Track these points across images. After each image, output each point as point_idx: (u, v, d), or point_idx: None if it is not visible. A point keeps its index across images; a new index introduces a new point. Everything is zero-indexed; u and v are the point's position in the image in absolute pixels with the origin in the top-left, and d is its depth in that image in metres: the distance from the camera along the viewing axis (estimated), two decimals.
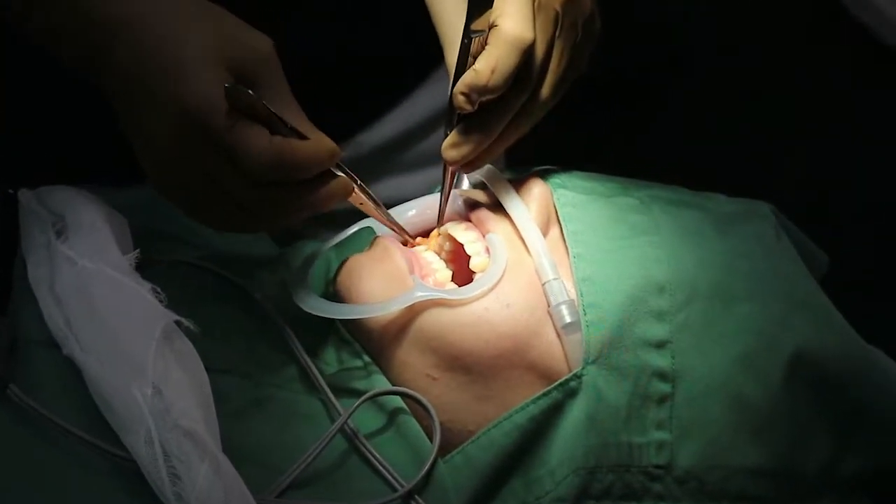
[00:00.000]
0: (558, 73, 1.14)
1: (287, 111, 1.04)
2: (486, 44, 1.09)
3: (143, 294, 1.04)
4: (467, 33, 1.10)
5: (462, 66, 1.11)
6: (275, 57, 1.05)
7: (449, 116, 1.14)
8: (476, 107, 1.10)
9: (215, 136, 1.01)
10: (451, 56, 1.15)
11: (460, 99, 1.09)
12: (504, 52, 1.08)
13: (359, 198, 1.12)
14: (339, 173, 1.08)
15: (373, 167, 1.47)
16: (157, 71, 1.02)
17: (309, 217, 1.09)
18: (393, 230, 1.18)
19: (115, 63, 1.03)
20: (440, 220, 1.20)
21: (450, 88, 1.12)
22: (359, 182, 1.11)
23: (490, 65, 1.08)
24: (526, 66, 1.10)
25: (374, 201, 1.14)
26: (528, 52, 1.09)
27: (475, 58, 1.10)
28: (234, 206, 1.05)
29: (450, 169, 1.17)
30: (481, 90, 1.08)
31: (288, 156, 1.03)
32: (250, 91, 1.02)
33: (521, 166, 1.26)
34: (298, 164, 1.03)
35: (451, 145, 1.13)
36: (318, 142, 1.05)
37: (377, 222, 1.19)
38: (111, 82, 1.05)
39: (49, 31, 1.07)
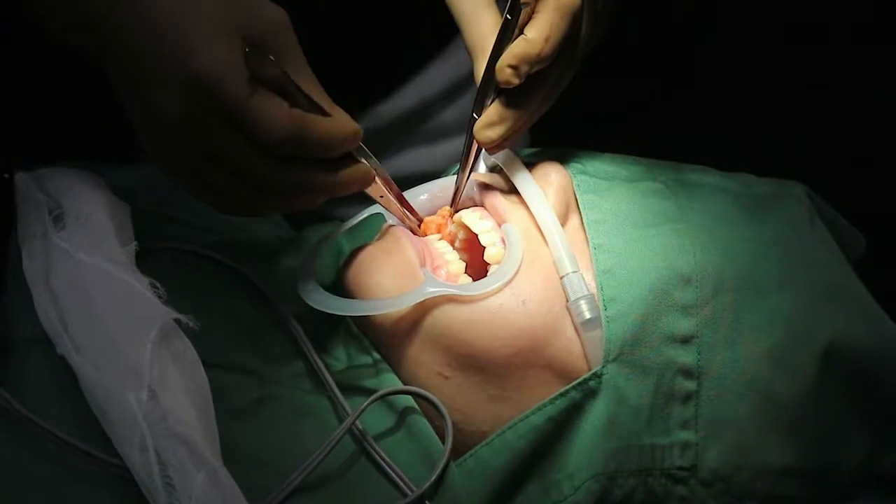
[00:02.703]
0: (588, 41, 1.10)
1: (305, 85, 1.01)
2: (532, 13, 1.05)
3: (140, 290, 1.01)
4: (515, 5, 1.06)
5: (504, 39, 1.07)
6: (290, 28, 1.01)
7: (480, 96, 1.09)
8: (523, 80, 1.06)
9: (231, 105, 0.97)
10: (474, 33, 1.10)
11: (508, 72, 1.05)
12: (557, 19, 1.04)
13: (379, 189, 1.09)
14: (362, 159, 1.04)
15: (392, 139, 1.44)
16: (168, 39, 0.98)
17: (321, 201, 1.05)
18: (404, 223, 1.14)
19: (117, 31, 1.00)
20: (456, 202, 1.16)
21: (479, 69, 1.09)
22: (381, 172, 1.07)
23: (544, 33, 1.04)
24: (571, 34, 1.06)
25: (397, 195, 1.11)
26: (577, 18, 1.05)
27: (521, 30, 1.06)
28: (242, 185, 1.01)
29: (474, 148, 1.12)
30: (534, 60, 1.05)
31: (308, 130, 0.99)
32: (272, 58, 0.98)
33: (544, 143, 1.22)
34: (318, 140, 1.00)
35: (487, 125, 1.09)
36: (340, 120, 1.01)
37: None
38: (110, 52, 1.01)
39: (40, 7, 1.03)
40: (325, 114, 1.01)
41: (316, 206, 1.05)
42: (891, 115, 1.82)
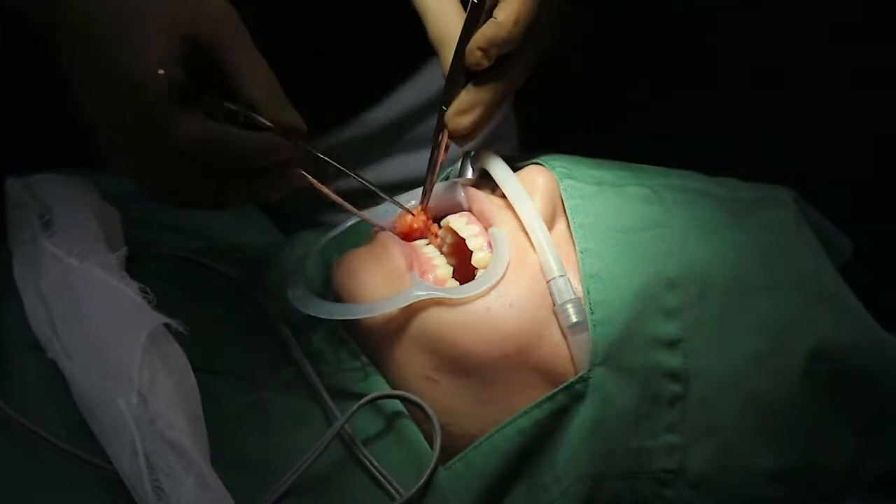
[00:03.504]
0: (553, 23, 1.11)
1: (250, 81, 1.01)
2: None
3: (130, 295, 1.02)
4: None
5: (472, 24, 1.08)
6: (235, 22, 1.01)
7: (449, 87, 1.10)
8: (493, 62, 1.07)
9: (149, 112, 0.98)
10: (439, 25, 1.11)
11: (477, 55, 1.07)
12: (525, 2, 1.05)
13: (323, 192, 1.08)
14: (299, 169, 1.04)
15: (379, 147, 1.44)
16: (109, 36, 0.98)
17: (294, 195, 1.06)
18: (368, 221, 1.14)
19: (67, 22, 1.00)
20: (425, 198, 1.15)
21: (446, 60, 1.10)
22: (325, 176, 1.07)
23: (513, 15, 1.05)
24: (538, 16, 1.07)
25: (338, 200, 1.10)
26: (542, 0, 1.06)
27: (489, 14, 1.07)
28: (177, 184, 1.02)
29: (444, 141, 1.12)
30: (503, 42, 1.06)
31: (221, 144, 0.99)
32: (191, 85, 0.99)
33: (531, 148, 1.22)
34: (235, 155, 1.00)
35: (458, 112, 1.10)
36: (256, 134, 1.01)
37: (377, 213, 1.15)
38: (59, 46, 1.02)
39: None
40: (258, 124, 1.01)
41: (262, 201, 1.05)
42: (888, 119, 1.82)
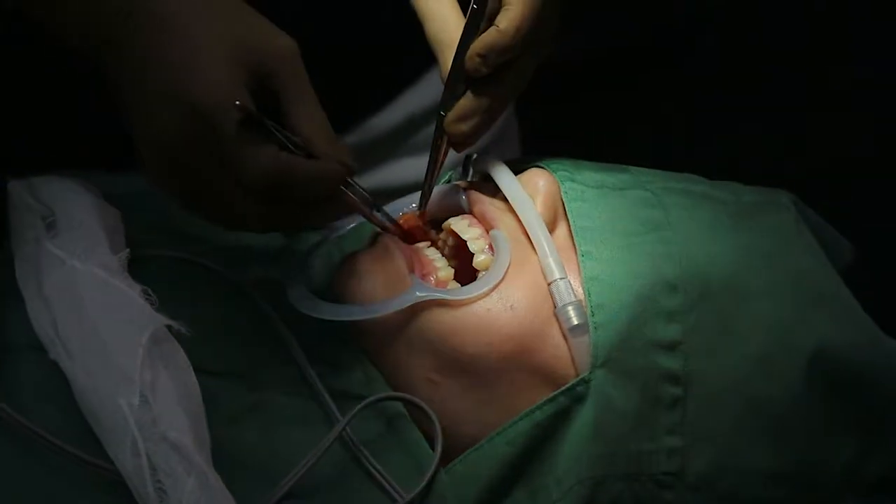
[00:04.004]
0: (552, 32, 1.12)
1: (307, 117, 1.02)
2: (500, 3, 1.08)
3: (132, 297, 1.02)
4: None
5: (471, 30, 1.09)
6: (298, 57, 1.03)
7: (448, 92, 1.11)
8: (492, 70, 1.08)
9: (218, 142, 0.99)
10: (438, 28, 1.12)
11: (476, 61, 1.08)
12: (528, 10, 1.06)
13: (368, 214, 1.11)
14: (348, 192, 1.06)
15: (382, 151, 1.44)
16: (175, 64, 0.99)
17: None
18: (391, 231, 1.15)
19: (129, 50, 1.01)
20: (424, 201, 1.16)
21: (445, 63, 1.11)
22: (371, 204, 1.10)
23: (515, 23, 1.06)
24: (539, 24, 1.08)
25: (387, 219, 1.13)
26: (545, 7, 1.07)
27: (490, 21, 1.08)
28: (226, 210, 1.03)
29: (443, 146, 1.13)
30: (503, 50, 1.07)
31: (290, 176, 1.01)
32: (263, 117, 1.00)
33: (533, 150, 1.23)
34: (300, 186, 1.02)
35: (458, 118, 1.11)
36: (325, 164, 1.03)
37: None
38: (118, 61, 1.03)
39: (58, 14, 1.05)
40: (314, 154, 1.02)
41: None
42: (889, 120, 1.83)
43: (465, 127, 1.11)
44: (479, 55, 1.07)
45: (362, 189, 1.08)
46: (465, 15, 1.10)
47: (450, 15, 1.12)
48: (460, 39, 1.10)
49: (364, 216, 1.11)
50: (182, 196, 1.05)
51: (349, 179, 1.05)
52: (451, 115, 1.11)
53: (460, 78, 1.10)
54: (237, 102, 0.98)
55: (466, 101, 1.10)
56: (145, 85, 1.01)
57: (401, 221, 1.14)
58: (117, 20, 1.02)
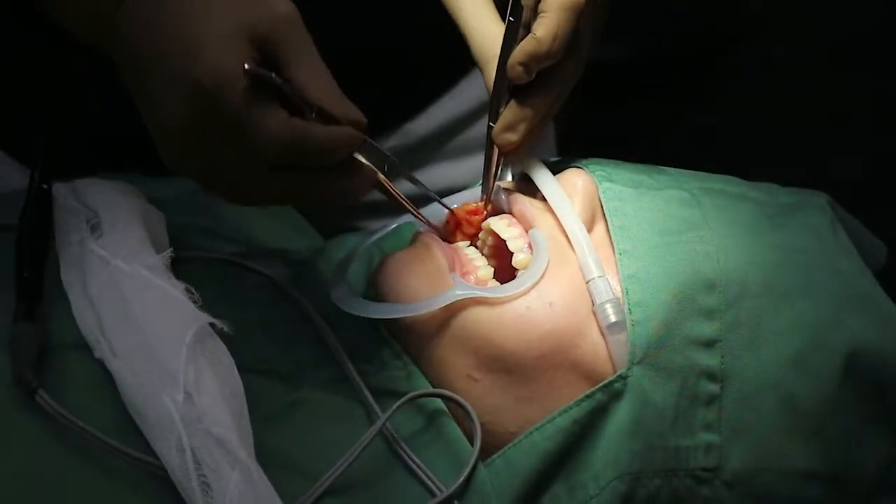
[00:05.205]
0: (595, 37, 1.13)
1: (314, 80, 1.02)
2: (536, 13, 1.09)
3: (176, 295, 1.03)
4: (516, 7, 1.10)
5: (509, 41, 1.10)
6: (299, 23, 1.02)
7: (494, 103, 1.12)
8: (533, 77, 1.09)
9: (229, 115, 0.99)
10: (481, 43, 1.14)
11: (518, 70, 1.09)
12: (564, 17, 1.07)
13: (386, 188, 1.10)
14: (366, 162, 1.05)
15: (420, 156, 1.45)
16: (173, 44, 1.00)
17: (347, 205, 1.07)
18: (422, 220, 1.16)
19: (127, 33, 1.02)
20: (486, 209, 1.17)
21: (489, 76, 1.12)
22: (385, 173, 1.08)
23: (551, 31, 1.07)
24: (577, 31, 1.09)
25: (400, 197, 1.11)
26: (582, 14, 1.08)
27: (526, 29, 1.09)
28: (245, 183, 1.03)
29: (495, 156, 1.14)
30: (543, 57, 1.08)
31: (305, 141, 1.00)
32: (273, 74, 0.99)
33: (570, 153, 1.23)
34: (316, 151, 1.01)
35: (505, 128, 1.12)
36: (339, 129, 1.02)
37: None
38: (120, 48, 1.03)
39: (60, 12, 1.07)
40: (329, 120, 1.02)
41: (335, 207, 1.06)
42: None
43: (513, 136, 1.12)
44: (520, 63, 1.09)
45: (380, 148, 1.07)
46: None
47: (492, 29, 1.14)
48: (500, 51, 1.11)
49: (384, 188, 1.09)
50: (200, 175, 1.05)
51: (366, 138, 1.05)
52: (499, 125, 1.13)
53: (505, 87, 1.12)
54: (245, 66, 0.97)
55: (512, 111, 1.12)
56: (147, 71, 1.01)
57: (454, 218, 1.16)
58: (107, 8, 1.02)
